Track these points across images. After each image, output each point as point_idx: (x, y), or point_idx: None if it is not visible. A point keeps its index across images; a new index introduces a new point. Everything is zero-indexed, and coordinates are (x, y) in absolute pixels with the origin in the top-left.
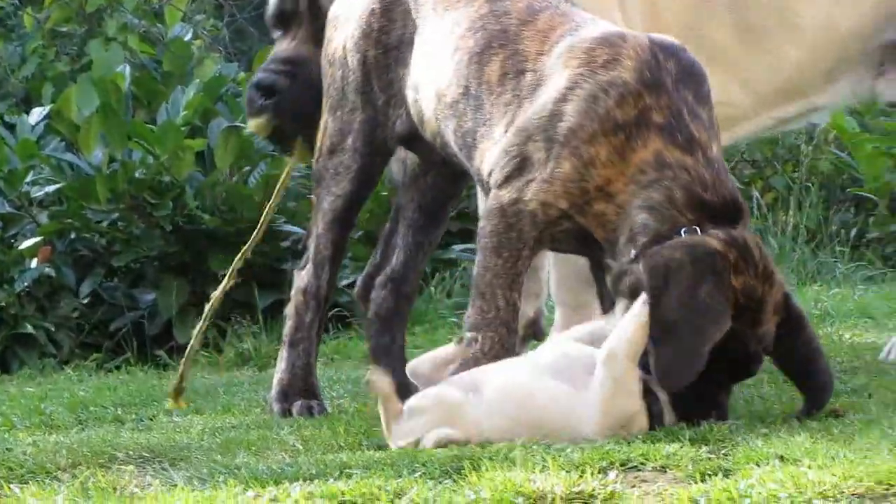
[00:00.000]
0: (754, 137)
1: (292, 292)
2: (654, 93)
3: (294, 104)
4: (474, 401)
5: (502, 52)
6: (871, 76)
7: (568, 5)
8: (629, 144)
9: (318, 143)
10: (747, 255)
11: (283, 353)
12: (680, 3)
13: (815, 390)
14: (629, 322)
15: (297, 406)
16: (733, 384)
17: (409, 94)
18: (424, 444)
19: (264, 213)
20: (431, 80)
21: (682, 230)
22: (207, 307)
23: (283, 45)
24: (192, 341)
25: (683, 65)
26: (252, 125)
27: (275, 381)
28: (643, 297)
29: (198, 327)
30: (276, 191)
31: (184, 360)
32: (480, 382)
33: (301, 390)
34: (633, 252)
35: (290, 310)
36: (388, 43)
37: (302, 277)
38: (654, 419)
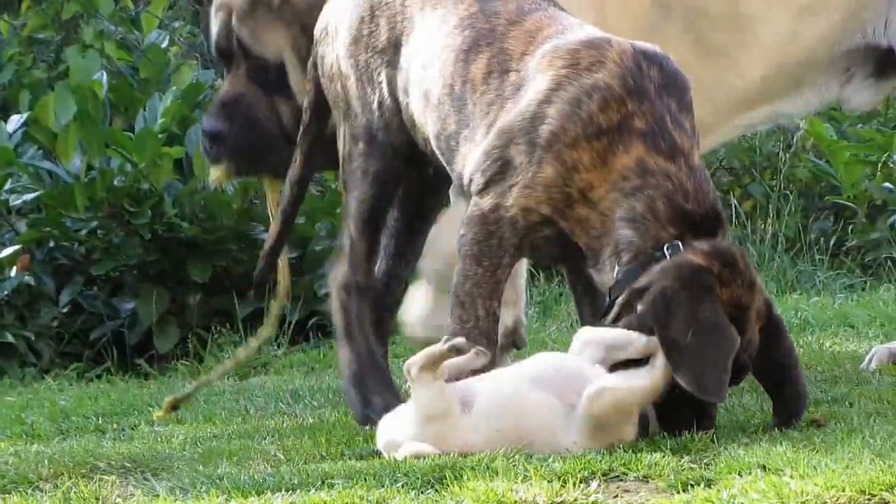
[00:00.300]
0: (719, 145)
1: (332, 293)
2: (637, 99)
3: (242, 144)
4: (463, 415)
5: (488, 51)
6: (837, 83)
7: (556, 9)
8: (611, 149)
9: (340, 150)
10: (733, 266)
11: (343, 347)
12: (634, 26)
13: (789, 401)
14: (648, 375)
15: (377, 404)
16: None
17: (401, 98)
18: (397, 453)
19: (270, 242)
20: (419, 80)
21: (665, 247)
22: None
23: (224, 87)
24: (223, 367)
25: (666, 73)
26: (214, 175)
27: (345, 373)
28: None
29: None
30: (272, 216)
31: (201, 379)
32: (472, 395)
33: (372, 371)
34: (616, 269)
35: (334, 309)
36: (376, 46)
37: (337, 277)
38: (641, 429)
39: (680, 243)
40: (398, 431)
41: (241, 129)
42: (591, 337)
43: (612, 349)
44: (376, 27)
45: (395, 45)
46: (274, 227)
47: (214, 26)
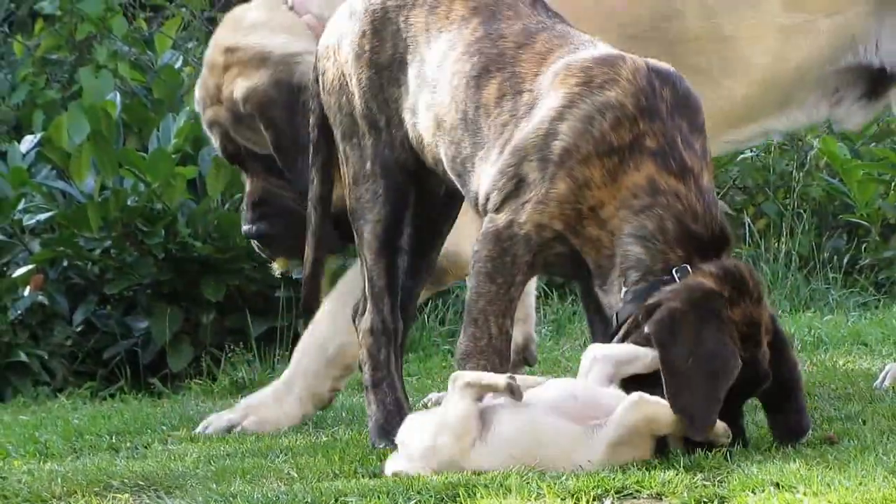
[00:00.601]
0: None
1: (360, 338)
2: (649, 118)
3: (286, 234)
4: (477, 445)
5: (499, 75)
6: (827, 103)
7: (564, 26)
8: (622, 167)
9: (343, 176)
10: (742, 285)
11: (370, 398)
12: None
13: (790, 418)
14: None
15: None
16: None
17: (407, 117)
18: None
19: None
20: (429, 104)
21: (674, 269)
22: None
23: (248, 187)
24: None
25: (679, 93)
26: (278, 268)
27: (370, 425)
28: None
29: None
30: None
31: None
32: (489, 417)
33: (399, 424)
34: (624, 290)
35: (362, 355)
36: (379, 63)
37: (365, 320)
38: (658, 448)
39: (689, 266)
40: (412, 437)
41: (280, 223)
42: (599, 353)
43: (620, 364)
44: (379, 43)
45: (399, 63)
46: (308, 251)
47: (215, 142)
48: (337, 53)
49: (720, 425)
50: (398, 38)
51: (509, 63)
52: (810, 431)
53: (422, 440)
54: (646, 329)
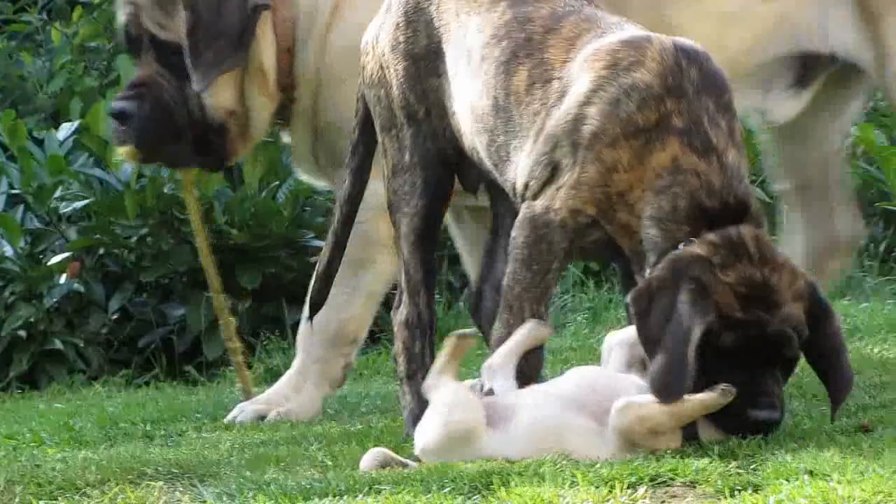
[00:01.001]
0: None
1: (395, 331)
2: (676, 97)
3: (148, 127)
4: (498, 434)
5: (528, 62)
6: (759, 92)
7: (592, 8)
8: (648, 148)
9: (383, 169)
10: (739, 248)
11: (405, 389)
12: None
13: (834, 386)
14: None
15: None
16: (784, 373)
17: (448, 105)
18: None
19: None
20: (462, 90)
21: (681, 245)
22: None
23: (135, 72)
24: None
25: (706, 72)
26: (121, 154)
27: (405, 415)
28: None
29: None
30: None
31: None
32: (511, 410)
33: None
34: (648, 271)
35: (397, 347)
36: (415, 53)
37: (400, 312)
38: (689, 435)
39: (694, 240)
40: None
41: (149, 111)
42: (614, 340)
43: (634, 346)
44: (413, 34)
45: (436, 53)
46: (325, 250)
47: (122, 16)
48: (375, 48)
49: (705, 395)
50: (431, 27)
51: (537, 49)
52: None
53: (434, 429)
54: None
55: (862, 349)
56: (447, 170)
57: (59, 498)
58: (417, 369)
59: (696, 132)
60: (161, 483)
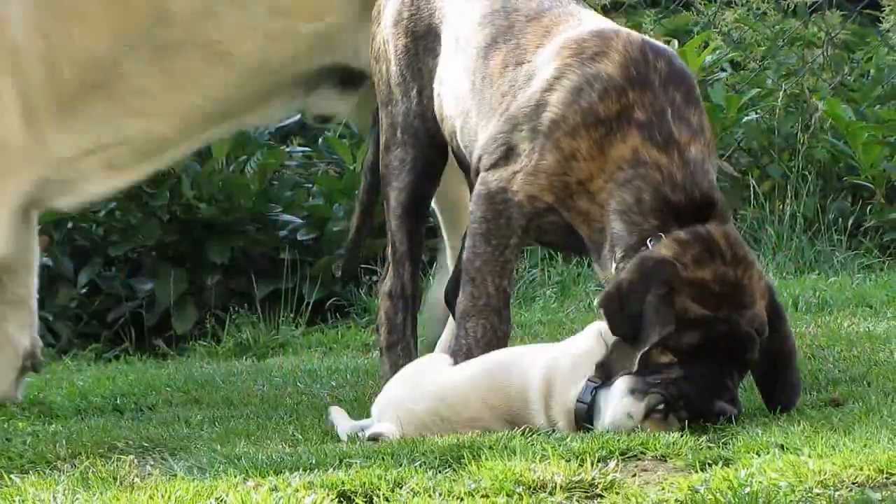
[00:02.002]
0: (183, 158)
1: (379, 300)
2: (639, 90)
3: None
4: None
5: (505, 46)
6: (302, 94)
7: (579, 6)
8: (609, 139)
9: (380, 143)
10: (711, 246)
11: (384, 359)
12: (88, 58)
13: (782, 390)
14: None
15: None
16: (739, 373)
17: (437, 88)
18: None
19: None
20: (447, 74)
21: (649, 240)
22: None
23: None
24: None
25: (674, 66)
26: None
27: (383, 381)
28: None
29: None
30: None
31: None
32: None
33: None
34: (614, 265)
35: (380, 317)
36: (415, 31)
37: (385, 283)
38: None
39: (662, 235)
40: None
41: None
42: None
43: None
44: (416, 11)
45: (434, 33)
46: (354, 218)
47: None
48: (381, 20)
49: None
50: (433, 7)
51: (516, 35)
52: (803, 397)
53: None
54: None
55: (831, 323)
56: (436, 150)
57: (30, 472)
58: (398, 340)
59: (659, 125)
60: (132, 457)
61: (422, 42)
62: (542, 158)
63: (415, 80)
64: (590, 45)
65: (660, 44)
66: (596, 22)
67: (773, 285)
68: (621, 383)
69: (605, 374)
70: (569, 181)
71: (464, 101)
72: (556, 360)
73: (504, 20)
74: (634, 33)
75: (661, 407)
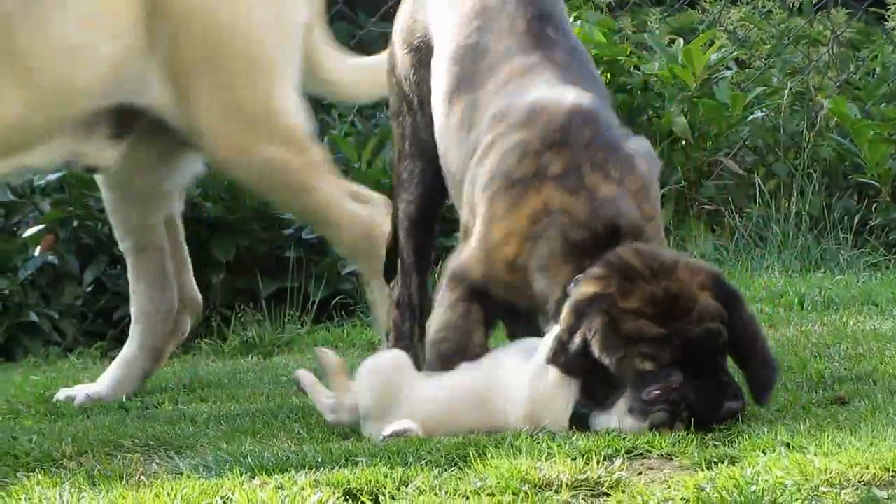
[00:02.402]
0: None
1: (388, 308)
2: (557, 149)
3: None
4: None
5: (465, 98)
6: (82, 138)
7: (539, 57)
8: (524, 197)
9: (393, 153)
10: (628, 272)
11: None
12: None
13: (755, 374)
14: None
15: None
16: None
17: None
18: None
19: None
20: (432, 97)
21: (568, 287)
22: None
23: None
24: None
25: (601, 130)
26: None
27: None
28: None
29: None
30: None
31: None
32: None
33: None
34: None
35: (388, 324)
36: (413, 44)
37: (394, 291)
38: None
39: (579, 277)
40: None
41: None
42: None
43: None
44: (414, 23)
45: (429, 47)
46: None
47: None
48: (395, 33)
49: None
50: (427, 20)
51: (476, 88)
52: (809, 395)
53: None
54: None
55: (836, 321)
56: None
57: (37, 470)
58: (406, 347)
59: (573, 174)
60: (138, 455)
61: (417, 55)
62: (479, 235)
63: (415, 94)
64: (517, 116)
65: (593, 106)
66: (538, 88)
67: (717, 271)
68: (620, 404)
69: (592, 400)
70: (501, 254)
71: (441, 136)
72: (537, 379)
73: (471, 63)
74: (569, 99)
75: (663, 415)
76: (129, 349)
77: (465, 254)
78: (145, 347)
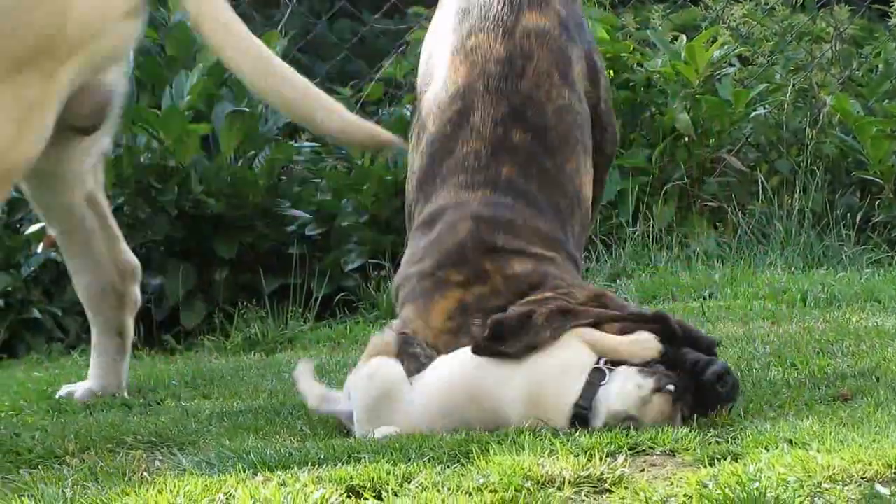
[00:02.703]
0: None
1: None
2: (459, 266)
3: None
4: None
5: (423, 199)
6: None
7: (492, 173)
8: (430, 305)
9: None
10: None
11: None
12: None
13: None
14: None
15: None
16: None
17: None
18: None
19: None
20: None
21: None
22: None
23: None
24: None
25: (510, 231)
26: None
27: None
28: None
29: None
30: None
31: None
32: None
33: None
34: None
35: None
36: (420, 72)
37: None
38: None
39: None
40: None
41: None
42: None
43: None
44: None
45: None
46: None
47: None
48: None
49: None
50: (429, 57)
51: (430, 191)
52: (812, 392)
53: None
54: None
55: (839, 318)
56: None
57: (39, 466)
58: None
59: (476, 277)
60: (140, 452)
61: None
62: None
63: (418, 119)
64: (431, 216)
65: (496, 212)
66: (443, 194)
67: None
68: (627, 367)
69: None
70: None
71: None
72: (538, 376)
73: (438, 162)
74: (473, 202)
75: (670, 388)
76: (93, 338)
77: None
78: (102, 327)
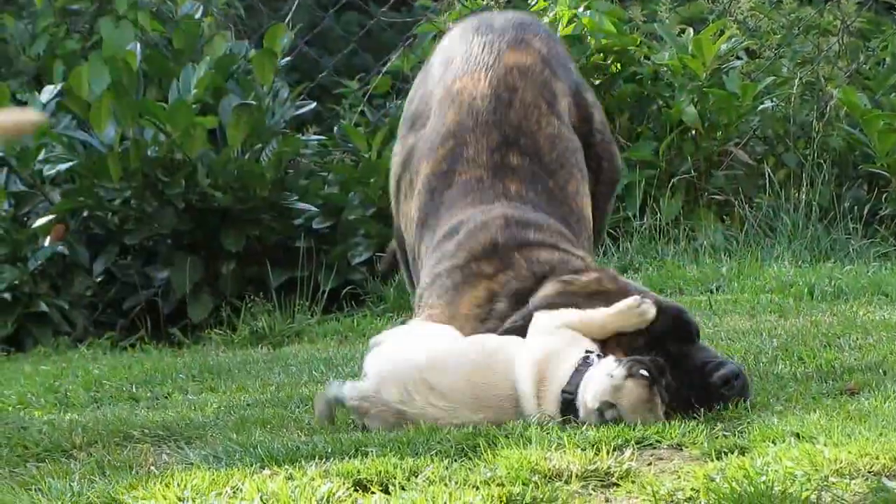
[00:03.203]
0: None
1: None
2: (491, 257)
3: None
4: None
5: (427, 232)
6: None
7: (490, 197)
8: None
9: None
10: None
11: None
12: None
13: None
14: None
15: None
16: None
17: None
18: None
19: None
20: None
21: None
22: None
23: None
24: None
25: (540, 231)
26: None
27: None
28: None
29: None
30: None
31: None
32: None
33: None
34: None
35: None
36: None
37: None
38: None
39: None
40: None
41: None
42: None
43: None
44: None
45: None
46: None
47: None
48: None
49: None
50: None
51: (434, 223)
52: (819, 386)
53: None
54: None
55: (846, 311)
56: None
57: (47, 460)
58: None
59: (508, 267)
60: (147, 445)
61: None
62: None
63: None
64: (449, 240)
65: (527, 215)
66: (475, 217)
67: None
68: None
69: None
70: None
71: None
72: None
73: (440, 194)
74: (500, 207)
75: (643, 372)
76: None
77: None
78: None
